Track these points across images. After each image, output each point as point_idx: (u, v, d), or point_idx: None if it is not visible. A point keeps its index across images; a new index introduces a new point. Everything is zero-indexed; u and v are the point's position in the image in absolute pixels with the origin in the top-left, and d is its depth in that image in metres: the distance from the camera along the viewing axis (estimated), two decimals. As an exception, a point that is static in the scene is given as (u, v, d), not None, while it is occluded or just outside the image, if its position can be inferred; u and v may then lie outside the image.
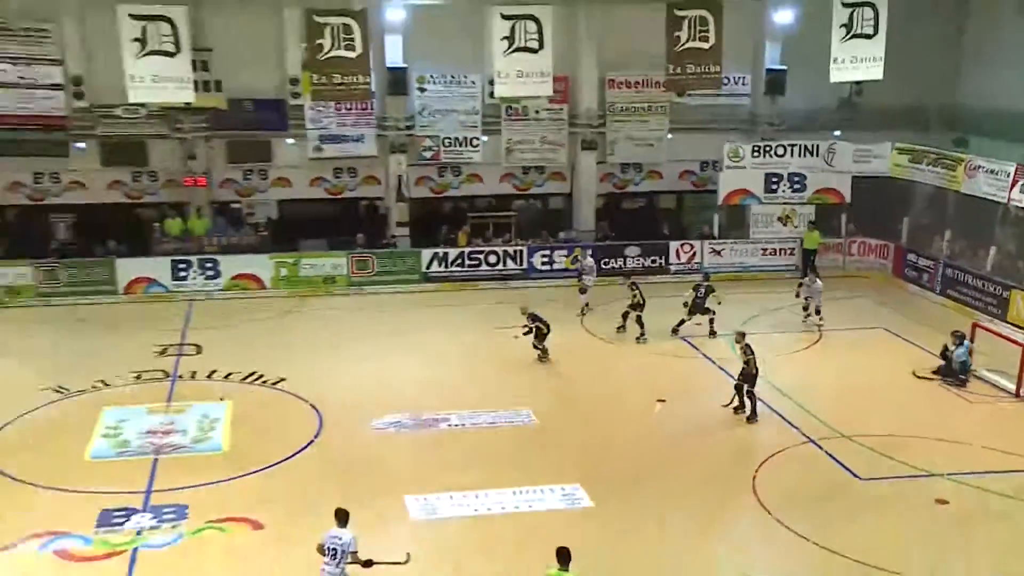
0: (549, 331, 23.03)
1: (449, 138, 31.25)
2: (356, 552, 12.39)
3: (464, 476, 17.16)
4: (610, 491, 16.78)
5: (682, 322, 25.12)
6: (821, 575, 14.19)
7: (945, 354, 22.05)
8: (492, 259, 30.61)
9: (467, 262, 30.39)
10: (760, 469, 17.74)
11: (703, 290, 25.09)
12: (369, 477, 17.18)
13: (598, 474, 17.31)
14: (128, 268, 28.70)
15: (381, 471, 17.51)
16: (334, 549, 12.36)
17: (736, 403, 20.04)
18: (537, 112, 31.59)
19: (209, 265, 28.86)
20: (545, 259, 30.85)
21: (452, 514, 15.99)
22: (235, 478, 17.10)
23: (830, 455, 18.36)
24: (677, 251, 31.49)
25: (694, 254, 31.54)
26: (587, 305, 27.07)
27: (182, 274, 28.77)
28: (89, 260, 28.88)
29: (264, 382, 21.80)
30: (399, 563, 12.50)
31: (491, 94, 29.21)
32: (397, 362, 23.08)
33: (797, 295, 26.36)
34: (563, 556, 12.14)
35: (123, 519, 15.65)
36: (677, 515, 16.02)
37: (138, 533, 15.29)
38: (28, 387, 21.15)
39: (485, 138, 31.39)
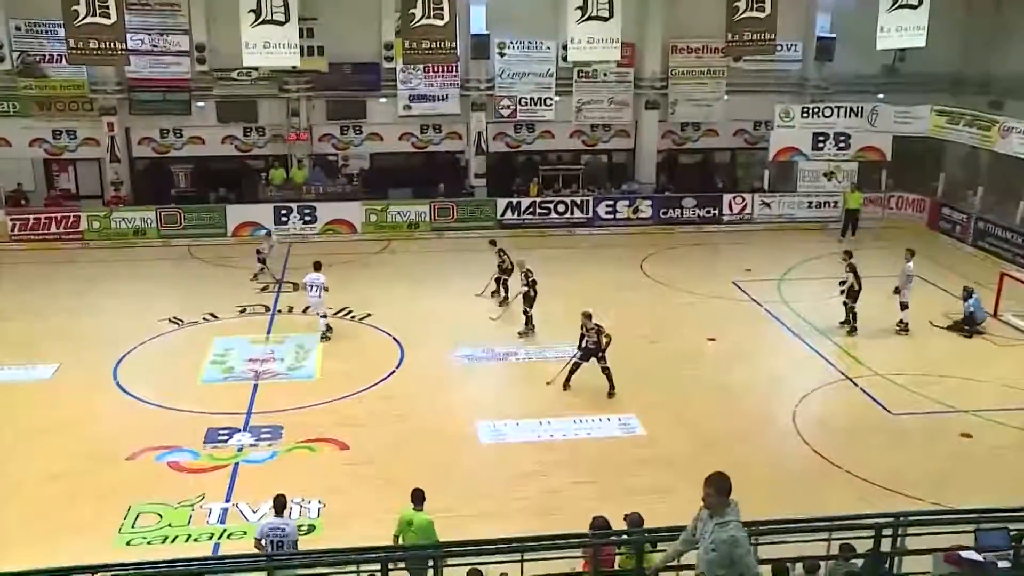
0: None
1: (525, 98, 30.62)
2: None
3: (530, 405, 16.82)
4: (661, 421, 16.39)
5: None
6: (853, 501, 13.55)
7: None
8: (560, 208, 30.09)
9: (538, 211, 29.95)
10: (800, 404, 17.19)
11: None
12: (444, 404, 17.01)
13: (651, 405, 16.89)
14: (236, 213, 28.68)
15: (455, 398, 17.31)
16: (280, 543, 10.65)
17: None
18: (606, 75, 30.84)
19: (307, 211, 28.68)
20: (609, 209, 30.26)
21: (518, 439, 15.74)
22: (325, 403, 17.00)
23: (864, 391, 17.74)
24: (730, 203, 30.71)
25: (745, 206, 30.71)
26: None
27: (283, 219, 28.65)
28: (203, 206, 28.97)
29: (352, 317, 21.64)
30: None
31: (564, 58, 28.43)
32: (472, 300, 22.71)
33: (897, 290, 20.92)
34: (417, 497, 11.05)
35: (227, 437, 15.68)
36: (721, 444, 15.54)
37: (239, 450, 15.31)
38: (149, 318, 21.27)
39: (557, 98, 30.68)
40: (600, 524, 10.22)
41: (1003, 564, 9.04)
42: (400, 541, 10.90)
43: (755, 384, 18.27)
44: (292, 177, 29.79)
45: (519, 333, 20.32)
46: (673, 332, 20.80)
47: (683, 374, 18.48)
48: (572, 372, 17.50)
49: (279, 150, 30.44)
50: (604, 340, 17.18)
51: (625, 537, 9.74)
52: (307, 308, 21.45)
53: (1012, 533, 8.98)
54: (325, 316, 20.39)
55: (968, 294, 20.84)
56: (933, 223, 29.90)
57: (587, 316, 17.35)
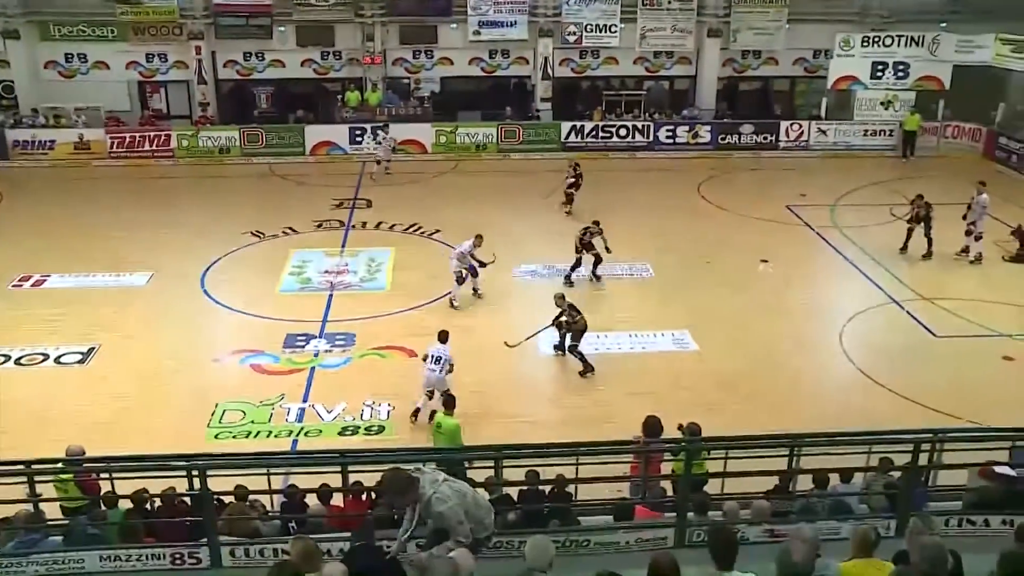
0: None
1: (590, 24, 29.94)
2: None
3: (590, 318, 16.83)
4: (714, 338, 16.35)
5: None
6: (894, 417, 13.43)
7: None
8: (622, 132, 29.65)
9: (600, 134, 29.56)
10: (847, 325, 16.99)
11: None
12: (506, 317, 17.07)
13: (704, 323, 16.83)
14: (314, 133, 28.76)
15: (518, 310, 17.35)
16: (438, 357, 13.26)
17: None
18: (669, 3, 29.96)
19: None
20: (669, 134, 29.74)
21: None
22: (395, 313, 17.26)
23: (911, 314, 17.45)
24: (787, 130, 29.95)
25: (802, 133, 29.92)
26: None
27: (358, 139, 28.70)
28: (283, 126, 29.07)
29: (423, 233, 21.77)
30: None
31: (629, -14, 27.74)
32: (537, 218, 22.67)
33: (964, 217, 20.16)
34: (449, 402, 11.74)
35: (304, 343, 16.04)
36: (771, 360, 15.51)
37: (315, 355, 15.66)
38: (233, 230, 21.65)
39: (622, 25, 29.93)
40: (652, 423, 10.25)
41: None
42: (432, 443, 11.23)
43: (805, 305, 18.07)
44: (367, 99, 29.74)
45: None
46: (728, 254, 20.57)
47: (736, 294, 18.32)
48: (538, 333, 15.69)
49: (355, 73, 30.36)
50: (580, 322, 15.19)
51: (672, 445, 9.79)
52: (379, 224, 21.61)
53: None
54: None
55: None
56: (989, 152, 28.87)
57: (560, 297, 15.58)
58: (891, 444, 9.25)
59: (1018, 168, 27.35)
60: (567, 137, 29.41)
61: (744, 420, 12.55)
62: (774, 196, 24.68)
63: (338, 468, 8.79)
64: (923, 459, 8.78)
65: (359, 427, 13.43)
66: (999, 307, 17.66)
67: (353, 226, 22.36)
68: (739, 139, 29.80)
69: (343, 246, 20.96)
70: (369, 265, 19.72)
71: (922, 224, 20.08)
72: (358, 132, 28.69)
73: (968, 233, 20.03)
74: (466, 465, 9.90)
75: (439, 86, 31.06)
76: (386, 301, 17.79)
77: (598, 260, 18.43)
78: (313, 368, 15.19)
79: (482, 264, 17.66)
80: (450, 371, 13.23)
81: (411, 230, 21.85)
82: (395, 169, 26.82)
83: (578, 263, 18.33)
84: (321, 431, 13.19)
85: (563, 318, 15.24)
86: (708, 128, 29.76)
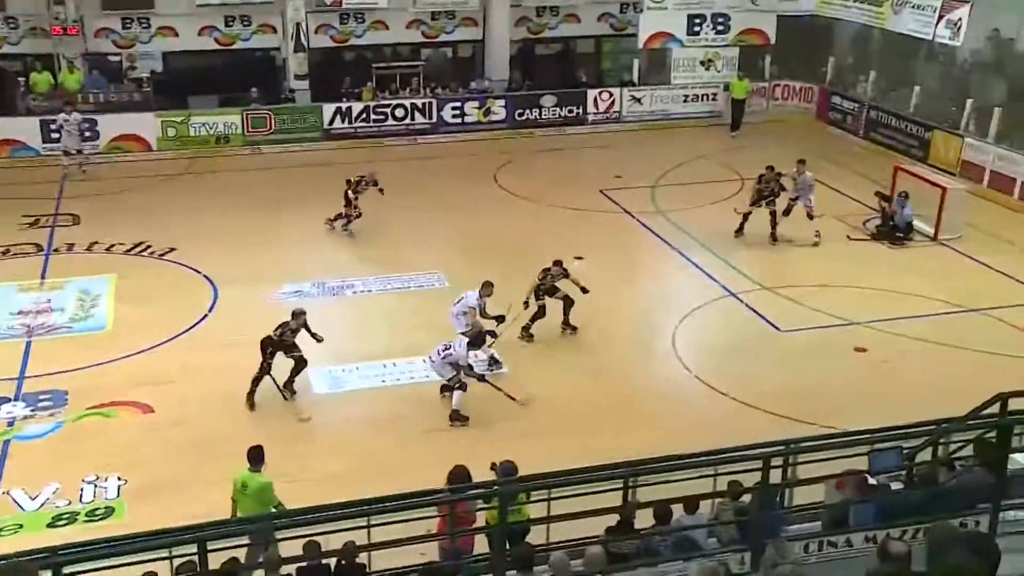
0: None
1: (350, -20, 29.96)
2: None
3: (373, 345, 16.70)
4: (526, 355, 16.65)
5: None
6: (741, 430, 14.06)
7: (884, 211, 21.92)
8: (399, 113, 29.74)
9: (373, 117, 29.53)
10: (680, 325, 17.71)
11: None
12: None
13: (513, 337, 17.01)
14: (-12, 128, 27.15)
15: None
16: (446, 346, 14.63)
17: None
18: (446, -50, 30.40)
19: (85, 125, 27.02)
20: (456, 112, 30.08)
21: (360, 385, 15.78)
22: (121, 358, 16.47)
23: (750, 307, 18.41)
24: (595, 100, 30.98)
25: (613, 102, 31.04)
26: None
27: (54, 136, 27.04)
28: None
29: (152, 253, 20.95)
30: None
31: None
32: (299, 226, 22.29)
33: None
34: (254, 456, 11.22)
35: (-8, 410, 15.05)
36: (597, 376, 15.96)
37: (10, 424, 14.73)
38: None
39: (390, -20, 30.11)
40: (459, 475, 10.28)
41: (896, 485, 9.62)
42: (236, 509, 10.84)
43: (629, 306, 18.68)
44: (62, 83, 28.21)
45: None
46: (535, 252, 20.91)
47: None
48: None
49: (42, 48, 28.69)
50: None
51: (482, 491, 9.81)
52: (92, 245, 20.63)
53: (906, 451, 9.50)
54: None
55: (905, 199, 21.62)
56: (823, 114, 31.00)
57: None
58: (739, 463, 9.63)
59: (853, 130, 29.50)
60: (331, 123, 29.21)
61: (568, 451, 12.74)
62: (585, 180, 25.40)
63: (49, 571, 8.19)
64: (775, 476, 9.19)
65: (78, 513, 12.75)
66: (847, 292, 18.93)
67: (56, 250, 21.18)
68: (540, 114, 30.51)
69: (43, 277, 19.81)
70: (81, 300, 18.77)
71: (771, 203, 21.11)
72: (53, 126, 27.00)
73: (809, 217, 21.32)
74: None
75: (161, 64, 29.99)
76: (108, 344, 16.96)
77: (569, 304, 17.46)
78: (7, 442, 14.26)
79: (499, 319, 16.35)
80: (457, 369, 14.52)
81: (137, 250, 20.99)
82: (110, 174, 25.68)
83: (541, 312, 17.32)
84: (22, 525, 12.41)
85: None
86: (502, 103, 30.26)
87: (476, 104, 30.20)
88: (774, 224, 21.23)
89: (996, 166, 24.48)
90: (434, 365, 14.91)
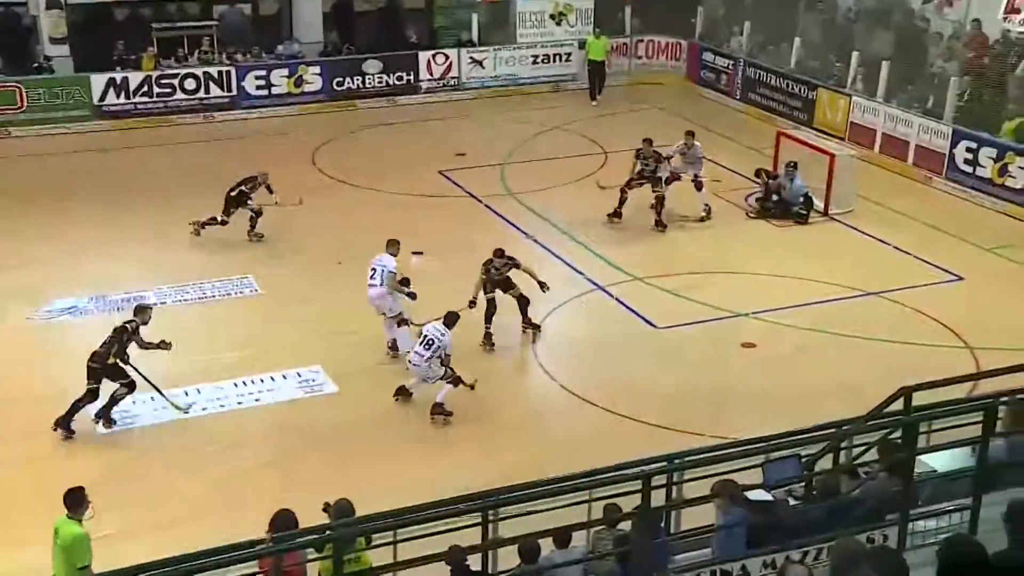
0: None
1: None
2: None
3: (174, 367, 16.29)
4: (355, 369, 16.62)
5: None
6: (623, 449, 14.32)
7: (769, 186, 22.54)
8: (190, 84, 29.34)
9: (156, 90, 29.03)
10: (544, 323, 17.91)
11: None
12: (38, 386, 16.08)
13: (343, 350, 17.05)
14: None
15: (53, 374, 16.37)
16: (430, 340, 15.09)
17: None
18: None
19: None
20: (261, 82, 29.83)
21: (159, 420, 15.36)
22: None
23: (621, 302, 18.74)
24: (429, 64, 31.12)
25: (449, 66, 31.21)
26: None
27: None
28: None
29: None
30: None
31: None
32: (70, 228, 21.75)
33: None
34: (73, 499, 10.76)
35: None
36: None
37: None
38: None
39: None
40: (284, 520, 10.17)
41: (794, 500, 9.92)
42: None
43: (479, 306, 18.71)
44: None
45: None
46: (363, 246, 20.82)
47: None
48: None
49: None
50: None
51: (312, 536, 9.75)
52: None
53: (804, 459, 9.82)
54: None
55: (793, 169, 22.19)
56: (693, 73, 31.82)
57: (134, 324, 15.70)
58: (616, 484, 9.78)
59: (729, 91, 30.38)
60: (103, 98, 28.55)
61: (417, 484, 12.76)
62: (421, 159, 25.45)
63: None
64: (658, 498, 9.37)
65: None
66: (731, 280, 19.50)
67: None
68: (363, 82, 30.53)
69: None
70: None
71: (656, 185, 21.43)
72: None
73: (699, 187, 21.87)
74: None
75: None
76: None
77: (524, 302, 17.51)
78: None
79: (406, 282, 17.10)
80: (443, 363, 15.02)
81: None
82: None
83: (491, 307, 17.34)
84: None
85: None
86: (316, 70, 30.10)
87: (285, 72, 29.98)
88: (659, 210, 21.57)
89: (887, 128, 25.37)
90: (419, 368, 15.23)
